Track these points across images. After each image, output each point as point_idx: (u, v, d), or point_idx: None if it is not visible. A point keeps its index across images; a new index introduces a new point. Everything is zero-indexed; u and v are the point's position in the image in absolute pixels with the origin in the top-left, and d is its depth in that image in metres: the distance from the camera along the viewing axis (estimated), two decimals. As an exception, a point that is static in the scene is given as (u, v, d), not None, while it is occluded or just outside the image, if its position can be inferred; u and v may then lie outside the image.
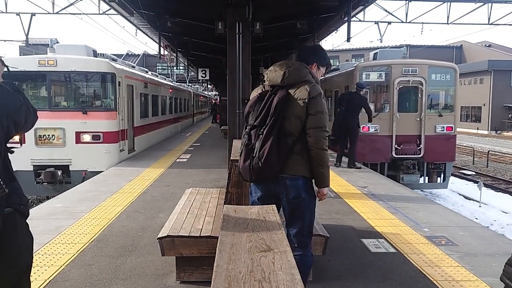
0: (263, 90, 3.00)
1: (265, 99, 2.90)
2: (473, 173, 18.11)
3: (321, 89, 2.92)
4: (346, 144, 10.20)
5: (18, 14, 16.39)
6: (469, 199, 13.32)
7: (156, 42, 13.75)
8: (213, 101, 44.41)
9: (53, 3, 15.68)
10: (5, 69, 2.42)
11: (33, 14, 16.33)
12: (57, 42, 11.61)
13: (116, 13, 11.59)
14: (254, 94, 3.07)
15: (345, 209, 6.27)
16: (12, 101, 2.21)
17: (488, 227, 8.13)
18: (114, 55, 14.06)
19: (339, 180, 8.50)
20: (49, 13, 15.86)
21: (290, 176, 2.83)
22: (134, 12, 10.29)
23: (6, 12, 16.17)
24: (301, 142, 2.84)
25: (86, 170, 9.91)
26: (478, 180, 14.38)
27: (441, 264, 4.08)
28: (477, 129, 38.59)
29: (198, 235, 3.54)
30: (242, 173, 2.92)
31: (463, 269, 3.96)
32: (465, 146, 24.92)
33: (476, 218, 10.49)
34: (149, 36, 14.67)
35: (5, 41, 20.79)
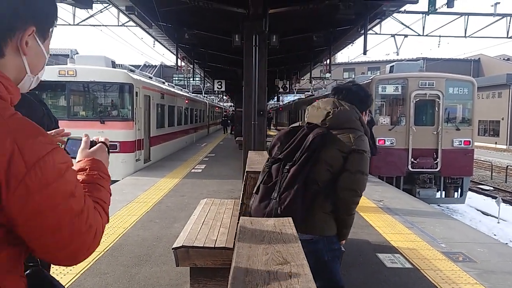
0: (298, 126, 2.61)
1: (298, 134, 2.48)
2: (491, 188, 17.78)
3: (368, 145, 2.46)
4: None
5: (40, 25, 16.81)
6: (487, 214, 13.07)
7: (174, 54, 13.94)
8: (225, 113, 44.16)
9: (73, 15, 16.05)
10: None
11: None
12: (77, 53, 11.88)
13: (135, 25, 11.81)
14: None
15: (360, 222, 6.21)
16: (35, 111, 2.26)
17: (507, 243, 7.96)
18: (132, 66, 14.28)
19: (354, 193, 8.42)
20: (70, 24, 16.23)
21: (309, 237, 2.34)
22: (153, 24, 10.47)
23: (29, 23, 16.60)
24: (325, 193, 2.38)
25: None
26: (497, 196, 14.09)
27: (458, 281, 4.01)
28: (496, 143, 37.95)
29: (213, 246, 3.54)
30: (253, 215, 2.39)
31: (481, 287, 3.88)
32: (483, 161, 24.51)
33: (495, 235, 10.28)
34: (166, 48, 14.89)
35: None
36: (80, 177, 1.15)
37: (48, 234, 0.94)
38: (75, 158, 1.29)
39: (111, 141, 1.43)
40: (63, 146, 1.34)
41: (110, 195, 1.26)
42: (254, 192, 2.52)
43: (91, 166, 1.22)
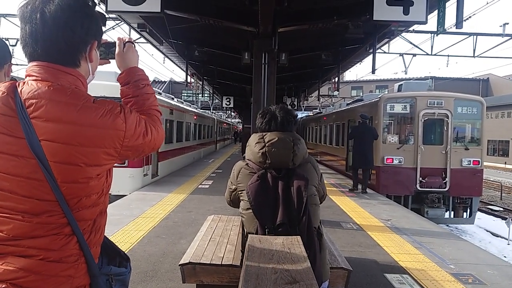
0: (255, 169, 2.38)
1: (274, 186, 2.27)
2: (501, 209, 17.56)
3: None
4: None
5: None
6: (497, 236, 12.89)
7: (183, 70, 14.10)
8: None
9: (86, 31, 16.33)
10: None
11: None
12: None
13: (146, 41, 11.98)
14: (245, 175, 2.46)
15: (368, 242, 6.16)
16: None
17: (517, 266, 7.83)
18: (142, 81, 14.37)
19: (362, 212, 8.37)
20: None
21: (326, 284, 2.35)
22: (164, 41, 10.63)
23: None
24: (320, 235, 2.36)
25: (110, 194, 9.98)
26: (507, 217, 13.92)
27: (468, 304, 3.95)
28: (505, 163, 37.59)
29: (220, 263, 3.52)
30: None
31: (492, 310, 3.82)
32: (492, 181, 24.27)
33: (505, 256, 10.13)
34: (176, 64, 15.07)
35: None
36: (128, 91, 1.52)
37: (142, 152, 1.44)
38: (113, 59, 1.60)
39: None
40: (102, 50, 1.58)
41: (153, 92, 1.57)
42: None
43: (133, 77, 1.53)
